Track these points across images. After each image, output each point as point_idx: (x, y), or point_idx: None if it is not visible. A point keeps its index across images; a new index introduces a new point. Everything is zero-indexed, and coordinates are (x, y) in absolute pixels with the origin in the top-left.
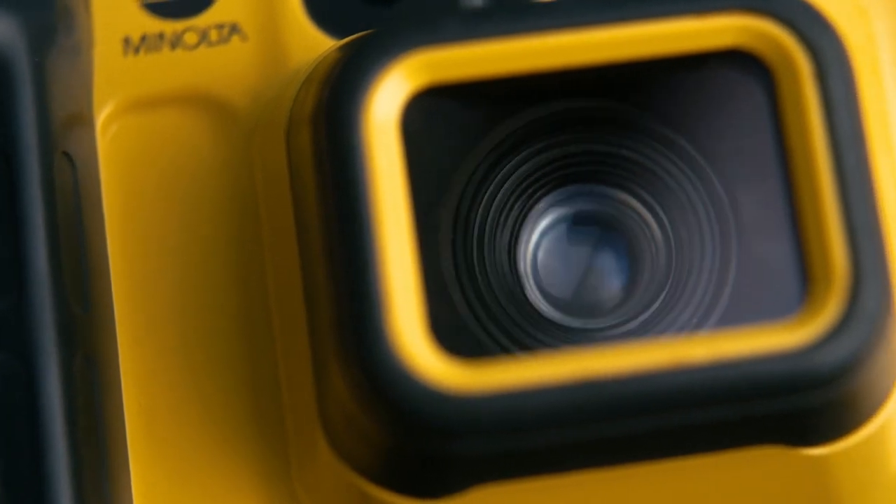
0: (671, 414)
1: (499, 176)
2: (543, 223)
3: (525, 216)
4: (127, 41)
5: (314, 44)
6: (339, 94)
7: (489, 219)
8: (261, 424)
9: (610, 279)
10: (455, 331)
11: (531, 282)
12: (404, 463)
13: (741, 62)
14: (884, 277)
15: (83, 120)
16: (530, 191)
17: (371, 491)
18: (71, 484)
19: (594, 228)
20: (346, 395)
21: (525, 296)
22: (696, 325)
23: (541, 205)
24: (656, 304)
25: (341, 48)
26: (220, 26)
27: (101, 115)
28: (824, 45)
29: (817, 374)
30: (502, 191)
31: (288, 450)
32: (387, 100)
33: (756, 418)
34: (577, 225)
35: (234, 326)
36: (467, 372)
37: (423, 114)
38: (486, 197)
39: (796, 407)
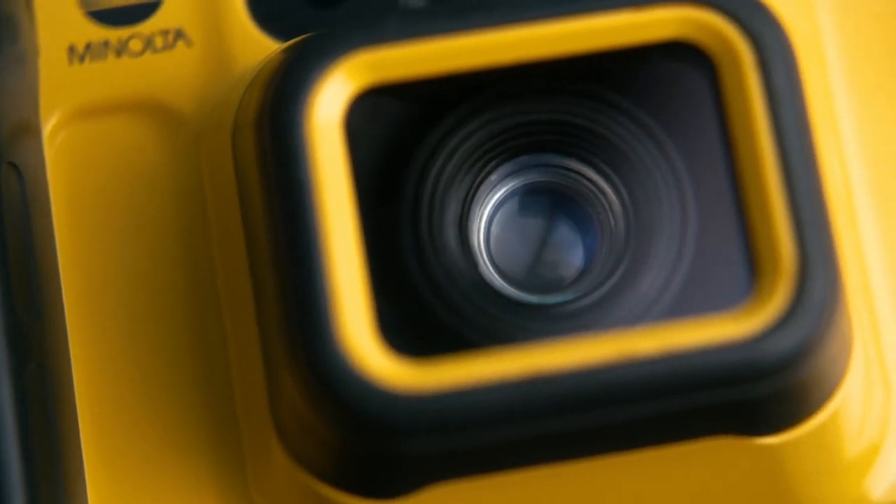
0: (621, 407)
1: (450, 161)
2: (494, 198)
3: (476, 190)
4: (72, 49)
5: (259, 47)
6: (282, 96)
7: (438, 201)
8: (214, 429)
9: (565, 253)
10: (409, 321)
11: (485, 258)
12: (357, 464)
13: (686, 54)
14: (831, 266)
15: (30, 129)
16: (480, 163)
17: (326, 492)
18: (25, 492)
19: (549, 200)
20: (297, 397)
21: (479, 274)
22: (655, 298)
23: (493, 177)
24: (616, 277)
25: (284, 51)
26: (164, 32)
27: (48, 125)
28: (766, 35)
29: (765, 364)
30: (450, 166)
31: (243, 453)
32: (329, 101)
33: (708, 409)
34: (532, 197)
35: (185, 331)
36: (415, 370)
37: (367, 113)
38: (434, 182)
39: (747, 397)
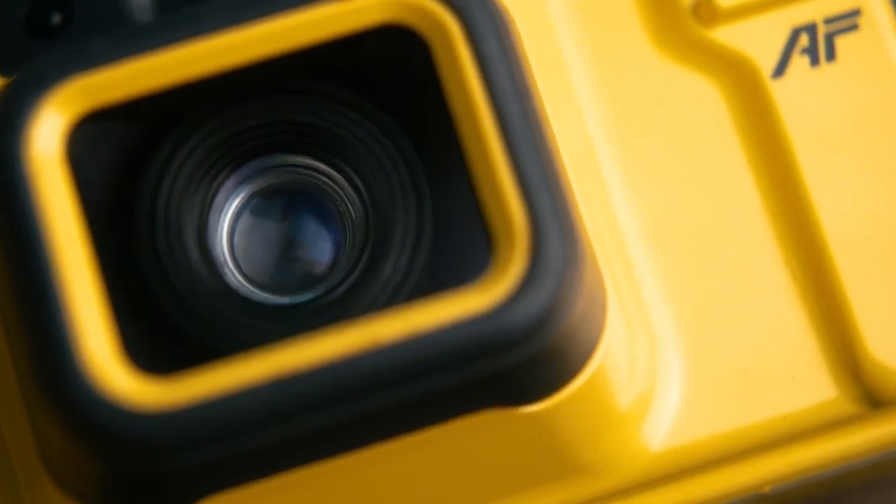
0: (373, 396)
1: (180, 175)
2: (233, 205)
3: (212, 200)
4: None
5: None
6: None
7: (173, 216)
8: None
9: (311, 250)
10: (160, 340)
11: (231, 267)
12: (121, 488)
13: (401, 36)
14: (567, 228)
15: None
16: (212, 173)
17: None
18: None
19: (288, 200)
20: (51, 428)
21: (226, 283)
22: (400, 282)
23: (228, 183)
24: (360, 267)
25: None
26: None
27: None
28: (473, 7)
29: (510, 334)
30: (181, 180)
31: (20, 496)
32: (45, 133)
33: (465, 385)
34: (270, 199)
35: None
36: (160, 387)
37: (93, 139)
38: (167, 197)
39: (501, 368)
